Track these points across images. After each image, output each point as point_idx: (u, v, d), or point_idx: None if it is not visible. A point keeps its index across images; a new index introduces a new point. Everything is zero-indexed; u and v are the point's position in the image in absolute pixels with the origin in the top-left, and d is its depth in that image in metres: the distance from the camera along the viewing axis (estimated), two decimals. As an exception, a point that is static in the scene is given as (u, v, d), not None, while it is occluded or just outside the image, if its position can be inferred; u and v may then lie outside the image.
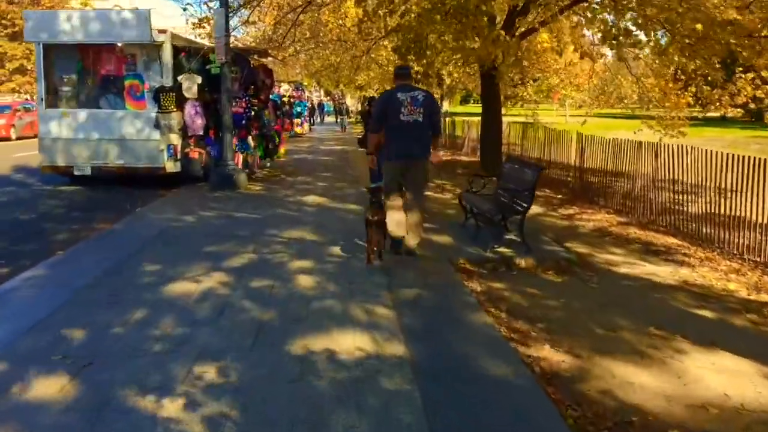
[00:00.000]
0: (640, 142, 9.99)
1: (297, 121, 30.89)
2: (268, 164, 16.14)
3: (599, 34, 11.48)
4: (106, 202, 10.85)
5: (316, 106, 47.11)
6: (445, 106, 35.19)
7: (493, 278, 6.43)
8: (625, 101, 23.31)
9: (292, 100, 30.62)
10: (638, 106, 20.47)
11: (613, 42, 10.72)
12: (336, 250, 7.23)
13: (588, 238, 8.48)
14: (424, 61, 12.85)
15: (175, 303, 5.35)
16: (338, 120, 38.69)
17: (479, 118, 16.14)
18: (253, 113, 13.59)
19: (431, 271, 6.45)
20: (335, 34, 19.41)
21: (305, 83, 41.60)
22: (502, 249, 7.24)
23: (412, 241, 6.79)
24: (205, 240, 7.55)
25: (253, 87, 14.45)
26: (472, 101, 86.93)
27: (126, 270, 6.33)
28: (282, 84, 31.11)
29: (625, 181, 10.38)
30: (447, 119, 27.61)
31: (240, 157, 12.91)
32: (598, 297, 5.93)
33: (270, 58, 16.93)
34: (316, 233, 8.09)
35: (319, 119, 47.22)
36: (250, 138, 13.69)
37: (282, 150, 16.65)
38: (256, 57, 15.61)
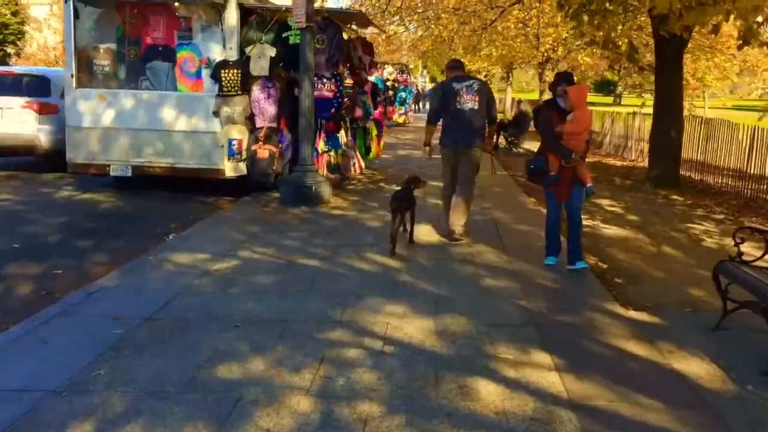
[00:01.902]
0: None
1: (399, 108, 27.43)
2: (366, 166, 12.77)
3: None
4: (132, 221, 7.76)
5: (422, 92, 43.44)
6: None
7: None
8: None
9: (396, 84, 27.23)
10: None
11: None
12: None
13: None
14: (605, 26, 8.95)
15: None
16: None
17: (611, 108, 12.10)
18: (346, 99, 10.17)
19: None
20: (452, 1, 15.68)
21: (412, 67, 38.14)
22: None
23: (456, 227, 6.78)
24: (233, 337, 4.13)
25: (348, 65, 11.08)
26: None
27: None
28: (386, 65, 27.74)
29: None
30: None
31: (324, 160, 9.52)
32: None
33: (371, 29, 13.50)
34: (452, 320, 4.50)
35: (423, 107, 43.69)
36: (342, 133, 10.29)
37: (381, 145, 13.23)
38: (352, 27, 12.18)
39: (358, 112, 12.00)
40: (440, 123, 7.00)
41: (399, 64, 28.58)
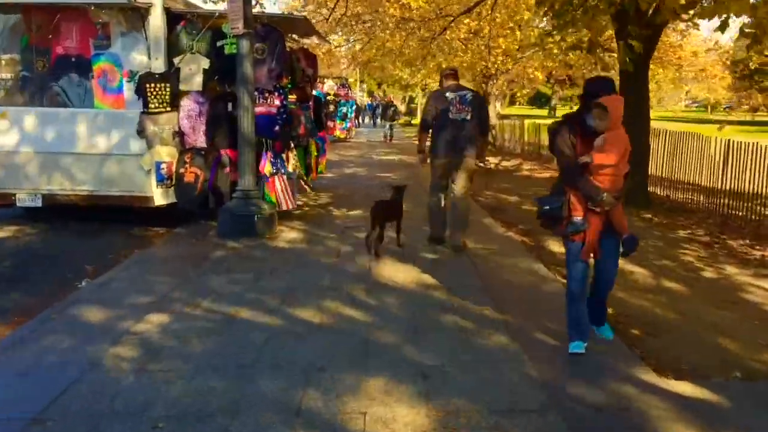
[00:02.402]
0: None
1: (341, 123, 26.45)
2: (309, 188, 11.74)
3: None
4: (38, 262, 6.50)
5: (373, 107, 42.80)
6: (497, 108, 28.67)
7: None
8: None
9: (337, 98, 26.25)
10: None
11: None
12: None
13: None
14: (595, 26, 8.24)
15: None
16: (385, 126, 27.84)
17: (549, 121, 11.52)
18: (289, 116, 9.13)
19: None
20: (398, 11, 14.83)
21: (351, 81, 37.33)
22: None
23: (458, 237, 6.91)
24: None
25: (290, 78, 10.05)
26: (517, 102, 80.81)
27: None
28: (327, 79, 26.76)
29: None
30: (514, 122, 22.89)
31: (277, 183, 8.39)
32: None
33: (313, 39, 12.49)
34: (448, 404, 3.47)
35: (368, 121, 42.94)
36: (289, 155, 9.25)
37: (323, 163, 12.22)
38: (293, 36, 11.17)
39: (303, 130, 11.03)
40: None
41: (339, 78, 27.62)
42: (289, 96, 9.26)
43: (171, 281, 5.61)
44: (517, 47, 15.04)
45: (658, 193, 11.34)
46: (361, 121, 40.38)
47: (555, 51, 15.46)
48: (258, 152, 8.05)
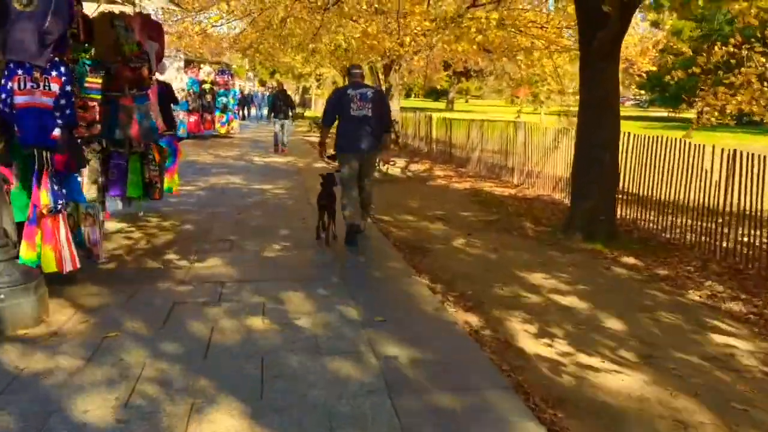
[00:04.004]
0: None
1: (221, 116, 22.69)
2: (141, 212, 8.27)
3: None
4: None
5: (247, 97, 38.66)
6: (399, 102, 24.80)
7: None
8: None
9: (215, 87, 22.44)
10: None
11: None
12: None
13: None
14: None
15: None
16: (276, 124, 18.29)
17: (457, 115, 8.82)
18: (93, 104, 5.70)
19: None
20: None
21: (236, 67, 33.38)
22: None
23: (362, 221, 7.22)
24: None
25: (122, 57, 6.64)
26: (413, 95, 78.50)
27: None
28: (202, 66, 22.87)
29: None
30: (419, 116, 20.05)
31: (62, 229, 4.89)
32: None
33: (159, 2, 8.96)
34: None
35: (255, 113, 38.81)
36: (84, 172, 5.78)
37: (175, 179, 8.75)
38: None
39: (135, 129, 7.64)
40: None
41: (218, 63, 23.77)
42: (89, 78, 5.80)
43: None
44: (429, 25, 11.98)
45: (623, 215, 8.67)
46: (246, 113, 36.48)
47: (473, 31, 12.61)
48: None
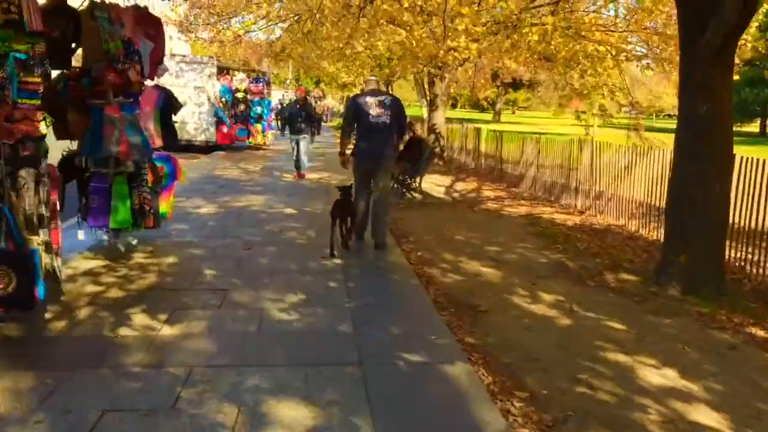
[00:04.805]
0: None
1: (257, 127, 21.35)
2: (135, 242, 6.77)
3: None
4: None
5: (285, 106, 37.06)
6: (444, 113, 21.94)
7: None
8: None
9: (249, 96, 21.14)
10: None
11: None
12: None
13: None
14: None
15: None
16: (291, 142, 14.29)
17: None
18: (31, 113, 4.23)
19: None
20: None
21: (273, 75, 32.10)
22: None
23: (381, 236, 7.14)
24: None
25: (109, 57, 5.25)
26: (459, 106, 76.12)
27: None
28: (236, 73, 21.60)
29: None
30: (467, 128, 18.32)
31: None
32: None
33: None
34: None
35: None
36: (14, 201, 4.29)
37: (171, 201, 7.24)
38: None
39: (123, 146, 6.27)
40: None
41: (255, 71, 22.46)
42: (22, 77, 4.31)
43: None
44: (480, 30, 10.24)
45: (731, 258, 6.83)
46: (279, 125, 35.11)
47: (534, 39, 10.92)
48: None
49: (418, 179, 11.29)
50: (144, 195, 6.79)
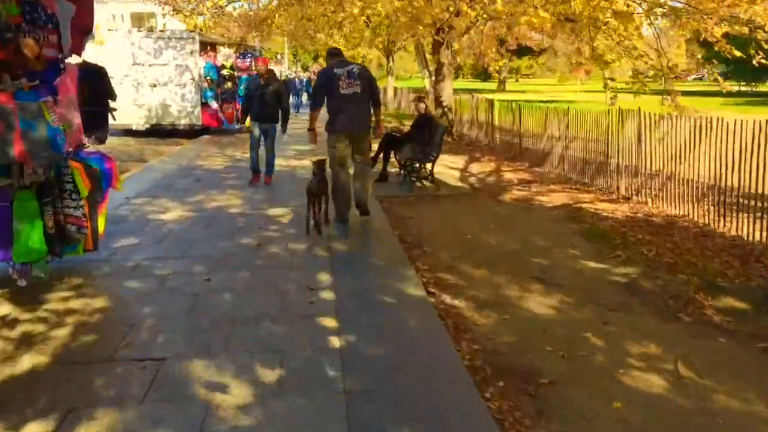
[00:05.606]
0: None
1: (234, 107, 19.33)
2: (43, 274, 4.93)
3: None
4: None
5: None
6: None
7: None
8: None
9: (238, 74, 19.20)
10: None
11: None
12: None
13: None
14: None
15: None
16: (255, 130, 9.61)
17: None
18: None
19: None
20: None
21: (262, 49, 30.01)
22: None
23: (363, 203, 7.02)
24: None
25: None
26: (461, 75, 73.36)
27: None
28: (220, 48, 19.60)
29: None
30: (477, 99, 16.40)
31: None
32: None
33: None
34: None
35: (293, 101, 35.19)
36: None
37: (101, 213, 5.43)
38: None
39: (19, 147, 4.47)
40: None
41: (242, 45, 20.45)
42: None
43: None
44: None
45: None
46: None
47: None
48: None
49: (429, 165, 9.41)
50: (67, 211, 5.03)
